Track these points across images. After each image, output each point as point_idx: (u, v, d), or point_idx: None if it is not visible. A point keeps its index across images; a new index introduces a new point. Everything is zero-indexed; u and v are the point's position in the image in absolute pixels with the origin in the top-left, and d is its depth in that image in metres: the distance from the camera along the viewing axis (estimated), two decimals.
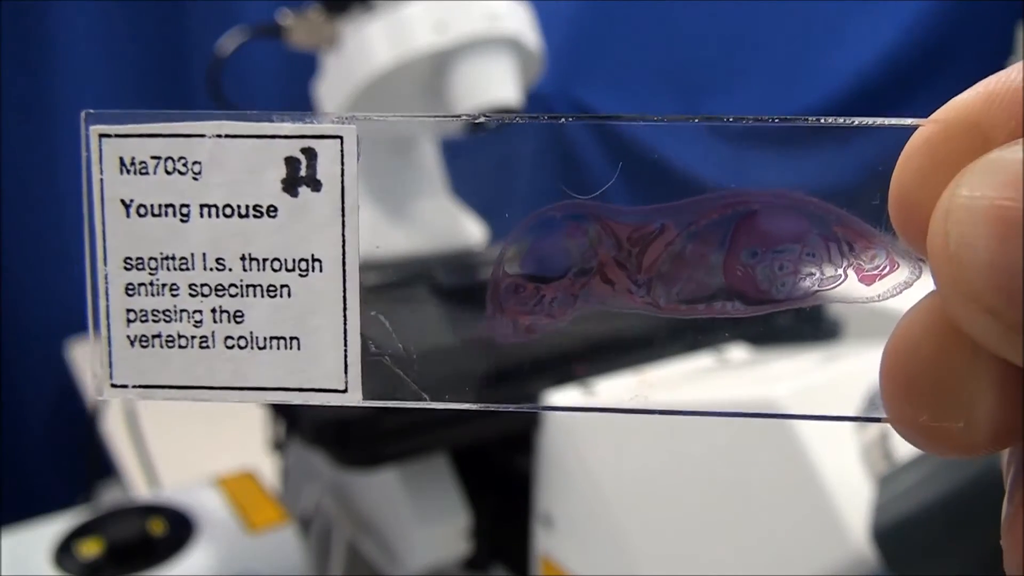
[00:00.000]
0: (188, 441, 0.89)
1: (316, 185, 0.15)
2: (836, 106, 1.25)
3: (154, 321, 0.16)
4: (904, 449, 0.38)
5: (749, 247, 0.14)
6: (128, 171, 0.15)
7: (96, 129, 0.16)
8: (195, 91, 1.19)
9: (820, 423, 0.39)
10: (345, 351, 0.16)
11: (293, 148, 0.15)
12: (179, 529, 0.53)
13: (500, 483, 0.56)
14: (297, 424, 0.54)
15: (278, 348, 0.16)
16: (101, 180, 0.15)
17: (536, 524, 0.53)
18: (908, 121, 0.13)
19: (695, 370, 0.50)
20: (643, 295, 0.15)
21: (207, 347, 0.16)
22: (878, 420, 0.13)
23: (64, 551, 0.51)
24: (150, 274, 0.16)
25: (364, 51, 0.61)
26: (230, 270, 0.16)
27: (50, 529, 0.53)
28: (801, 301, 0.15)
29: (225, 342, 0.16)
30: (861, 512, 0.36)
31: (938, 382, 0.12)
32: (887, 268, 0.14)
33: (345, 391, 0.16)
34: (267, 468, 0.70)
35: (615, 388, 0.49)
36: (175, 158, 0.15)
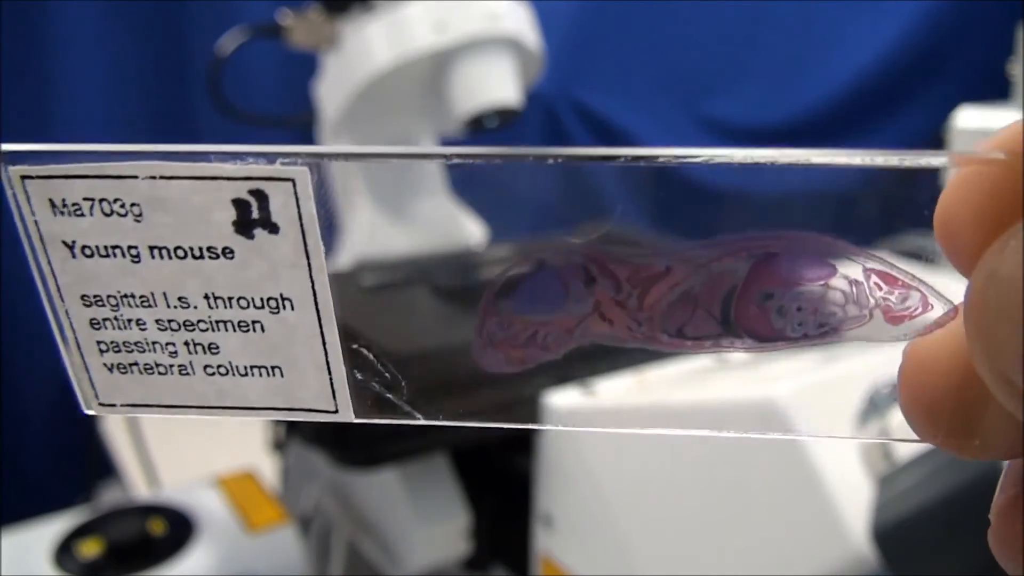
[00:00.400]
0: (188, 441, 0.89)
1: (272, 228, 0.14)
2: (836, 106, 1.25)
3: (127, 351, 0.15)
4: (904, 449, 0.38)
5: (765, 289, 0.14)
6: (61, 212, 0.14)
7: (16, 171, 0.14)
8: (195, 91, 1.19)
9: (820, 423, 0.39)
10: (330, 378, 0.15)
11: (239, 190, 0.14)
12: (179, 529, 0.53)
13: (500, 483, 0.56)
14: (297, 424, 0.54)
15: (260, 375, 0.15)
16: (35, 221, 0.14)
17: (536, 524, 0.53)
18: (964, 156, 0.12)
19: (695, 370, 0.50)
20: (644, 331, 0.14)
21: (187, 374, 0.15)
22: (903, 440, 0.13)
23: (64, 551, 0.51)
24: (112, 310, 0.15)
25: (364, 51, 0.61)
26: (195, 307, 0.15)
27: (50, 529, 0.53)
28: (819, 340, 0.14)
29: (205, 370, 0.15)
30: (861, 512, 0.36)
31: (958, 410, 0.12)
32: (919, 309, 0.13)
33: (336, 411, 0.15)
34: (267, 468, 0.70)
35: (615, 388, 0.49)
36: (110, 200, 0.14)
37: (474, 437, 0.53)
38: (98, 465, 0.90)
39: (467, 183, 0.80)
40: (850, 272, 0.14)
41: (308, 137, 0.82)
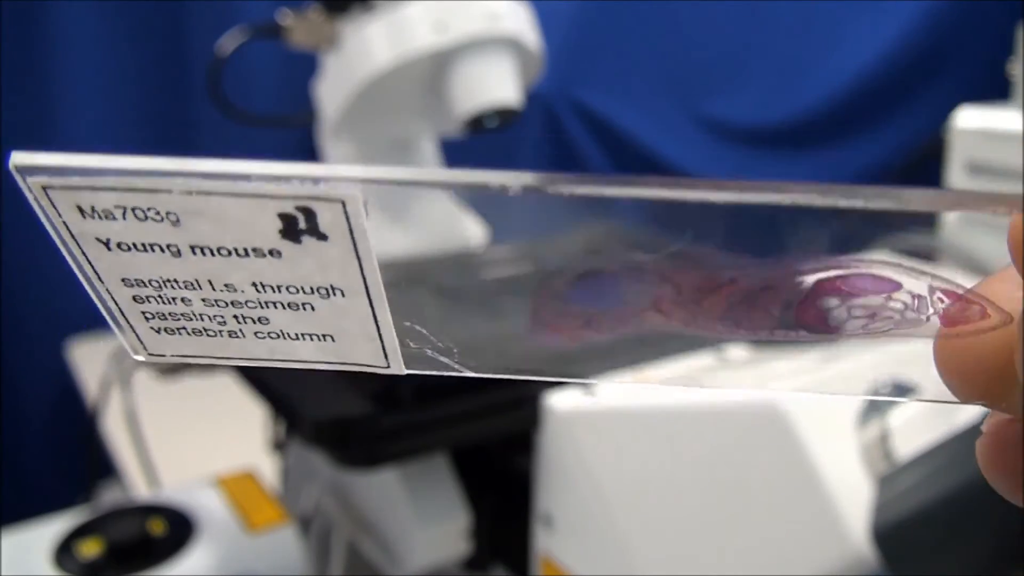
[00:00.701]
0: (188, 441, 0.89)
1: (321, 236, 0.13)
2: (836, 106, 1.25)
3: (174, 320, 0.15)
4: (904, 449, 0.38)
5: (828, 297, 0.14)
6: (91, 216, 0.13)
7: (37, 182, 0.13)
8: (195, 91, 1.19)
9: (820, 423, 0.39)
10: (383, 345, 0.15)
11: (285, 206, 0.13)
12: (179, 529, 0.53)
13: (500, 483, 0.56)
14: (297, 424, 0.54)
15: (312, 340, 0.15)
16: (64, 223, 0.14)
17: (536, 524, 0.53)
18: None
19: (695, 369, 0.50)
20: (700, 323, 0.15)
21: (237, 337, 0.15)
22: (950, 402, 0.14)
23: (64, 551, 0.51)
24: (156, 290, 0.14)
25: (364, 51, 0.61)
26: (242, 291, 0.14)
27: (50, 529, 0.53)
28: (871, 336, 0.15)
29: (255, 335, 0.15)
30: (861, 512, 0.36)
31: (993, 380, 0.14)
32: (976, 317, 0.14)
33: (388, 367, 0.15)
34: (267, 468, 0.70)
35: (615, 388, 0.49)
36: (143, 208, 0.13)
37: (474, 437, 0.53)
38: (98, 465, 0.90)
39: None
40: (915, 288, 0.14)
41: (308, 137, 0.82)
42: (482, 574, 0.57)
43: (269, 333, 0.15)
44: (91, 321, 1.20)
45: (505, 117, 0.60)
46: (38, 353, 1.17)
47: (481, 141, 0.72)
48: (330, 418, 0.48)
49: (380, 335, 0.15)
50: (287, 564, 0.53)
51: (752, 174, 1.22)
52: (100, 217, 0.13)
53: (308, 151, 1.14)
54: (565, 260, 0.15)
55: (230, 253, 0.14)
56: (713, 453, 0.43)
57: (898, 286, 0.14)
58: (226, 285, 0.14)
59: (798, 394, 0.39)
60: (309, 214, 0.13)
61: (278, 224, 0.13)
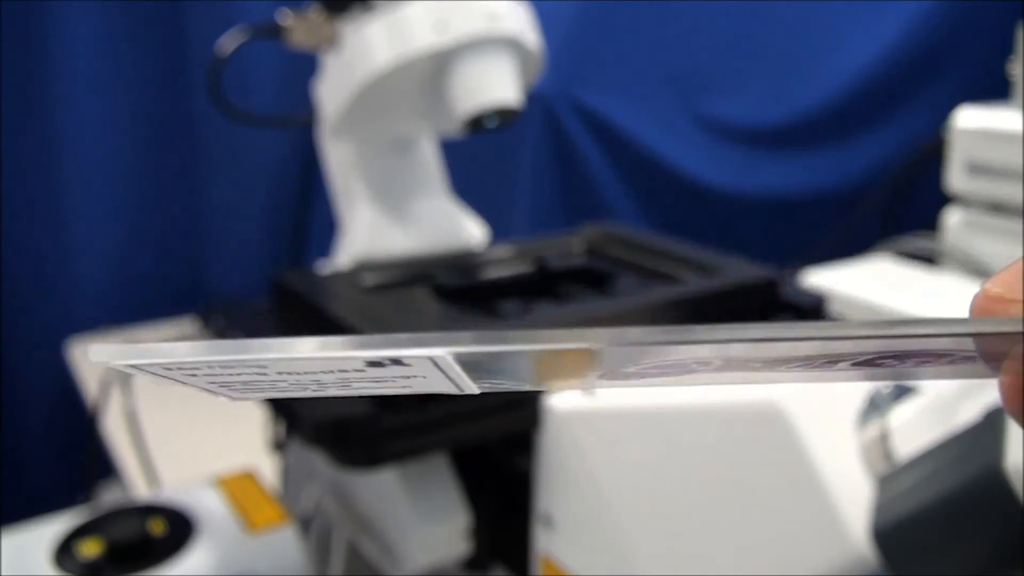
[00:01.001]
0: (188, 441, 0.89)
1: (404, 365, 0.14)
2: (836, 106, 1.25)
3: (243, 383, 0.16)
4: (904, 449, 0.38)
5: (887, 358, 0.15)
6: (178, 369, 0.15)
7: (121, 363, 0.14)
8: (195, 91, 1.19)
9: (820, 423, 0.39)
10: (453, 382, 0.16)
11: (372, 356, 0.14)
12: (179, 529, 0.53)
13: (500, 483, 0.56)
14: (297, 424, 0.54)
15: (386, 388, 0.16)
16: (152, 372, 0.15)
17: (536, 524, 0.53)
18: None
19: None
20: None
21: (308, 391, 0.16)
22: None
23: (64, 551, 0.51)
24: (243, 387, 0.16)
25: (364, 51, 0.61)
26: (327, 384, 0.15)
27: (50, 529, 0.53)
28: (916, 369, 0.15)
29: (327, 391, 0.16)
30: (861, 512, 0.36)
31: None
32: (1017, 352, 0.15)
33: (461, 391, 0.16)
34: (267, 468, 0.70)
35: (614, 388, 0.49)
36: (223, 368, 0.14)
37: (474, 437, 0.53)
38: (98, 465, 0.90)
39: (468, 182, 0.80)
40: (966, 354, 0.15)
41: (308, 136, 0.82)
42: (482, 574, 0.57)
43: (342, 389, 0.16)
44: (91, 321, 1.20)
45: (505, 117, 0.60)
46: (38, 353, 1.17)
47: (481, 141, 0.72)
48: (330, 418, 0.48)
49: (452, 380, 0.16)
50: (287, 564, 0.53)
51: (752, 174, 1.22)
52: (177, 368, 0.15)
53: (308, 151, 1.13)
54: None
55: (316, 372, 0.15)
56: (713, 453, 0.43)
57: (952, 354, 0.15)
58: (313, 379, 0.15)
59: (798, 395, 0.39)
60: (396, 360, 0.14)
61: (362, 362, 0.14)
